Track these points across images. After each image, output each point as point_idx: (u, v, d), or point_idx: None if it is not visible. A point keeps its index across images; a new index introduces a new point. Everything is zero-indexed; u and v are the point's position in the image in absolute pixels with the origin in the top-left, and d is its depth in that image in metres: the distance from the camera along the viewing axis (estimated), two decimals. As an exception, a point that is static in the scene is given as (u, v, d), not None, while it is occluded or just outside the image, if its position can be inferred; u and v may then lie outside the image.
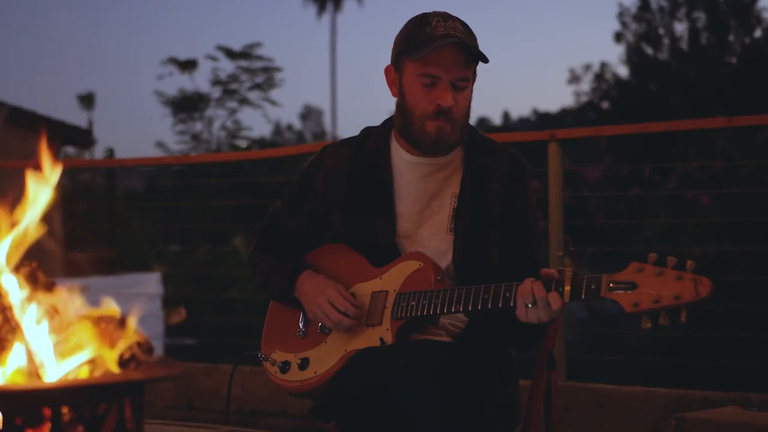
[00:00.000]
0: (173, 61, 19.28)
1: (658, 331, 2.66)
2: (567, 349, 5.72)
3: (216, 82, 18.32)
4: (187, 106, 18.29)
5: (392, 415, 2.87)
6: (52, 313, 3.64)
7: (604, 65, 29.58)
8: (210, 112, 18.35)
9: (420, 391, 2.84)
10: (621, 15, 27.73)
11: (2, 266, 3.53)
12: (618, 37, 27.74)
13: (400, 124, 3.22)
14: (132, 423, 3.29)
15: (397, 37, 3.22)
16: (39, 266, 3.72)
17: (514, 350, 3.27)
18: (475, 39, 3.15)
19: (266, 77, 18.61)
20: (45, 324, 3.55)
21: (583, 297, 2.78)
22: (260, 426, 6.19)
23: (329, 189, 3.32)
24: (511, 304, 2.88)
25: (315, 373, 3.18)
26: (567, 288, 2.80)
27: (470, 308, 2.96)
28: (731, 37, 26.13)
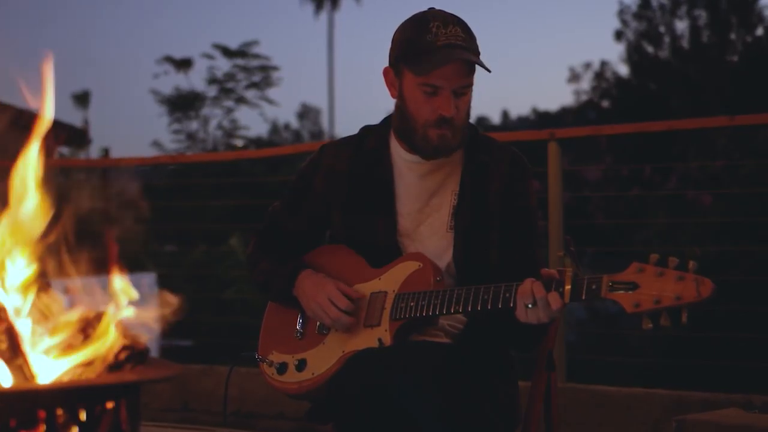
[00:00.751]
0: (169, 59, 19.26)
1: (658, 331, 2.66)
2: (567, 349, 5.72)
3: (212, 80, 18.30)
4: (183, 104, 18.27)
5: (392, 415, 2.87)
6: (47, 313, 3.63)
7: (604, 64, 29.66)
8: (206, 111, 18.33)
9: (420, 392, 2.84)
10: (621, 13, 27.80)
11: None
12: (618, 35, 27.80)
13: (401, 127, 3.22)
14: (128, 425, 3.28)
15: (395, 40, 3.20)
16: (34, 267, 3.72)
17: (513, 351, 3.27)
18: (475, 42, 3.14)
19: (263, 76, 18.59)
20: (40, 325, 3.55)
21: (583, 297, 2.78)
22: (257, 428, 6.19)
23: (329, 188, 3.32)
24: (511, 304, 2.88)
25: (313, 374, 3.18)
26: (567, 288, 2.80)
27: (470, 309, 2.96)
28: (732, 36, 26.17)
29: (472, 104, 3.19)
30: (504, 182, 3.21)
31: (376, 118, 3.44)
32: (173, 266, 11.68)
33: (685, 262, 2.63)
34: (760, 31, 26.23)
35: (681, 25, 26.71)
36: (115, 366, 3.43)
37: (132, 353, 3.57)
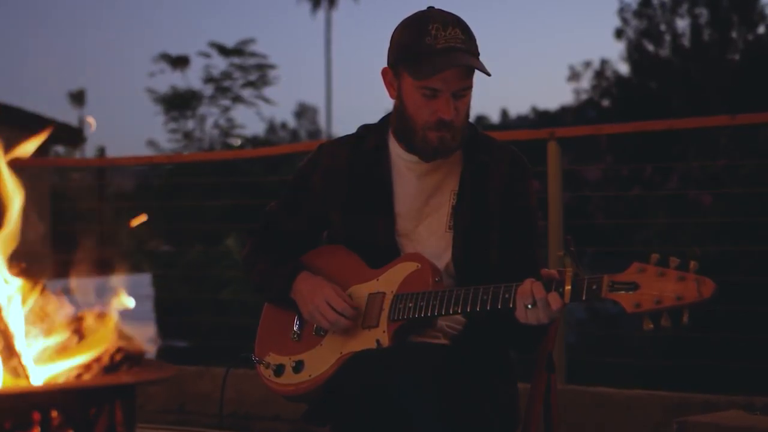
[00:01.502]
0: (165, 57, 19.22)
1: (659, 332, 2.66)
2: (567, 350, 5.73)
3: (208, 79, 18.26)
4: (179, 103, 18.23)
5: (390, 417, 2.87)
6: (42, 315, 3.64)
7: (604, 62, 29.67)
8: (202, 109, 18.28)
9: (419, 393, 2.84)
10: (622, 11, 27.77)
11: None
12: (619, 33, 27.78)
13: (400, 128, 3.21)
14: (123, 427, 3.29)
15: (393, 41, 3.19)
16: (28, 267, 3.72)
17: (513, 352, 3.27)
18: (475, 42, 3.13)
19: (260, 74, 18.55)
20: (34, 327, 3.55)
21: (583, 298, 2.78)
22: (254, 430, 6.19)
23: (327, 188, 3.32)
24: (511, 305, 2.88)
25: (310, 376, 3.17)
26: (567, 288, 2.80)
27: (469, 309, 2.96)
28: (734, 34, 26.16)
29: (472, 103, 3.19)
30: (504, 182, 3.21)
31: (374, 117, 3.44)
32: (169, 267, 11.68)
33: (686, 262, 2.63)
34: (761, 30, 26.23)
35: (682, 24, 26.70)
36: (110, 367, 3.44)
37: (127, 355, 3.57)
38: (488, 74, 3.09)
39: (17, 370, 3.38)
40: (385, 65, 3.22)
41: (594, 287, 2.75)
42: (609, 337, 8.74)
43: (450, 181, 3.23)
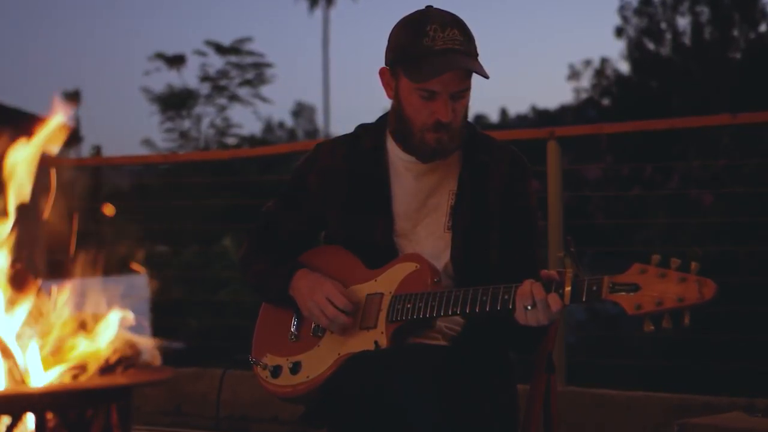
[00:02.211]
0: (160, 56, 19.20)
1: (660, 333, 2.66)
2: (567, 351, 5.73)
3: (205, 78, 18.24)
4: (174, 102, 18.21)
5: (388, 419, 2.87)
6: (37, 315, 3.63)
7: (604, 61, 29.69)
8: (198, 109, 18.27)
9: (418, 394, 2.85)
10: (622, 9, 27.82)
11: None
12: (619, 32, 27.83)
13: (398, 129, 3.21)
14: (119, 429, 3.28)
15: (391, 41, 3.19)
16: (23, 267, 3.72)
17: (512, 353, 3.28)
18: (474, 43, 3.13)
19: (257, 73, 18.54)
20: (29, 327, 3.55)
21: (584, 299, 2.78)
22: (251, 432, 6.19)
23: (325, 187, 3.31)
24: (510, 306, 2.89)
25: (308, 377, 3.17)
26: (567, 289, 2.80)
27: (468, 310, 2.96)
28: (735, 32, 26.17)
29: (470, 102, 3.19)
30: (504, 182, 3.21)
31: (372, 117, 3.44)
32: (165, 267, 11.67)
33: (688, 263, 2.64)
34: (763, 28, 26.26)
35: (683, 22, 26.74)
36: (106, 369, 3.43)
37: (123, 356, 3.56)
38: (486, 77, 3.09)
39: (12, 371, 3.37)
40: (383, 65, 3.22)
41: (594, 288, 2.76)
42: (609, 338, 8.74)
43: (448, 181, 3.23)
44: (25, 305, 3.60)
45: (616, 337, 8.66)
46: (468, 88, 3.13)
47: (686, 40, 26.56)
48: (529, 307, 2.85)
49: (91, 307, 3.76)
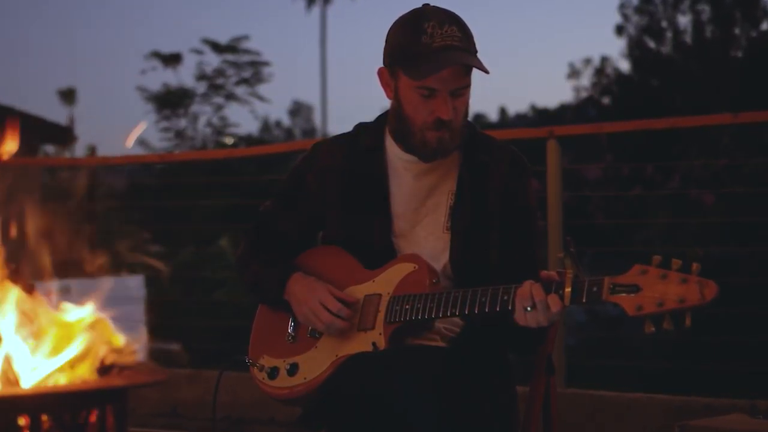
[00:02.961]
0: (156, 55, 19.19)
1: (661, 335, 2.66)
2: (567, 353, 5.73)
3: (201, 76, 18.24)
4: (171, 101, 18.21)
5: (387, 420, 2.87)
6: (31, 317, 3.63)
7: (604, 59, 29.66)
8: (195, 108, 18.27)
9: (417, 397, 2.84)
10: (622, 7, 27.78)
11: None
12: (619, 30, 27.79)
13: (397, 129, 3.21)
14: (114, 431, 3.29)
15: (389, 40, 3.19)
16: (18, 268, 3.72)
17: (512, 355, 3.27)
18: (473, 40, 3.13)
19: (254, 72, 18.54)
20: (23, 328, 3.55)
21: (584, 300, 2.78)
22: (248, 434, 6.19)
23: (322, 187, 3.31)
24: (510, 307, 2.88)
25: (305, 378, 3.17)
26: (567, 290, 2.80)
27: (467, 311, 2.96)
28: (737, 31, 26.16)
29: (470, 101, 3.19)
30: (503, 182, 3.21)
31: (370, 116, 3.44)
32: (161, 268, 11.65)
33: (689, 263, 2.64)
34: (765, 26, 26.23)
35: (684, 20, 26.71)
36: (101, 370, 3.43)
37: (119, 357, 3.56)
38: (486, 72, 3.09)
39: (6, 373, 3.37)
40: (381, 64, 3.22)
41: (595, 289, 2.76)
42: (609, 339, 8.74)
43: (447, 181, 3.23)
44: (20, 306, 3.60)
45: (616, 339, 8.66)
46: (468, 86, 3.13)
47: (687, 38, 26.54)
48: (529, 308, 2.85)
49: (87, 308, 3.77)
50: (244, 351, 3.38)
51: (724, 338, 6.67)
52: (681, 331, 2.66)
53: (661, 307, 2.64)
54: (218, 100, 18.40)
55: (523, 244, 3.21)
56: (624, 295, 2.70)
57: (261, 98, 18.78)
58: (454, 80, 3.08)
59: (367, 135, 3.33)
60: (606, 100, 28.92)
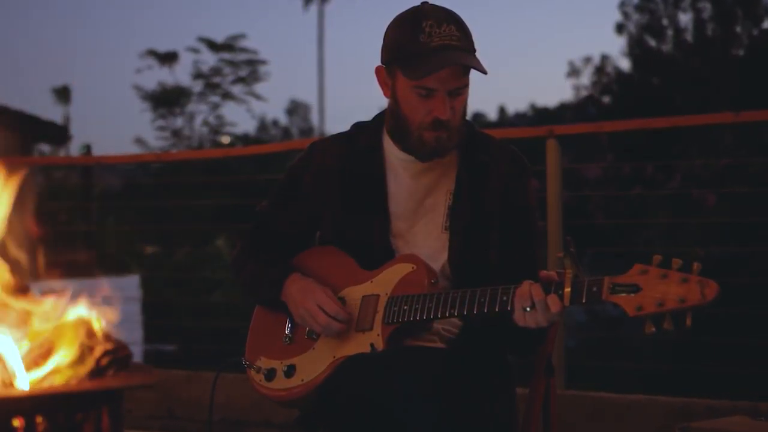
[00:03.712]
0: (153, 53, 19.24)
1: (661, 335, 2.66)
2: (566, 354, 5.73)
3: (197, 75, 18.30)
4: (167, 100, 18.26)
5: (385, 422, 2.87)
6: (26, 318, 3.63)
7: (604, 58, 29.61)
8: (191, 106, 18.33)
9: (415, 398, 2.84)
10: (623, 5, 27.76)
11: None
12: (620, 28, 27.77)
13: (395, 128, 3.21)
14: (110, 433, 3.28)
15: (387, 39, 3.19)
16: (11, 269, 3.72)
17: (511, 356, 3.27)
18: (471, 39, 3.13)
19: (250, 70, 18.59)
20: (17, 330, 3.55)
21: (584, 300, 2.78)
22: (244, 436, 6.19)
23: (319, 187, 3.31)
24: (509, 307, 2.88)
25: (302, 380, 3.17)
26: (567, 290, 2.80)
27: (465, 312, 2.96)
28: (738, 29, 26.15)
29: (468, 100, 3.18)
30: (503, 181, 3.21)
31: (368, 115, 3.43)
32: (157, 268, 11.67)
33: (689, 263, 2.64)
34: (766, 24, 26.22)
35: (684, 18, 26.68)
36: (97, 372, 3.43)
37: (114, 359, 3.56)
38: (485, 72, 3.09)
39: (0, 375, 3.37)
40: (379, 63, 3.22)
41: (594, 289, 2.76)
42: (609, 340, 8.75)
43: (446, 181, 3.23)
44: (13, 307, 3.60)
45: (616, 339, 8.67)
46: (466, 85, 3.13)
47: (688, 36, 26.53)
48: (528, 309, 2.85)
49: (81, 309, 3.76)
50: (241, 352, 3.38)
51: (725, 339, 6.67)
52: (682, 332, 2.66)
53: (662, 307, 2.64)
54: (215, 98, 18.44)
55: (523, 244, 3.21)
56: (624, 295, 2.70)
57: (258, 97, 18.83)
58: (452, 80, 3.08)
59: (364, 134, 3.33)
60: (606, 99, 28.89)
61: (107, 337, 3.66)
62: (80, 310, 3.71)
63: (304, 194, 3.35)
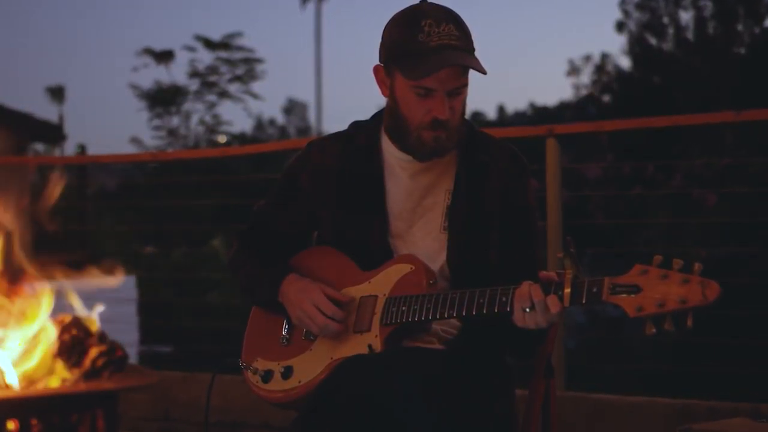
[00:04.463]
0: (149, 51, 19.23)
1: (662, 336, 2.66)
2: (566, 355, 5.73)
3: (194, 74, 18.30)
4: (163, 99, 18.26)
5: (383, 424, 2.87)
6: (20, 318, 3.63)
7: (605, 56, 29.65)
8: (188, 105, 18.33)
9: (413, 400, 2.84)
10: (623, 3, 27.78)
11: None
12: (620, 26, 27.79)
13: (393, 128, 3.21)
14: (105, 435, 3.28)
15: (385, 38, 3.18)
16: (5, 269, 3.72)
17: (510, 357, 3.27)
18: (470, 38, 3.12)
19: (247, 69, 18.59)
20: (11, 330, 3.55)
21: (584, 301, 2.78)
22: (241, 438, 6.18)
23: (317, 186, 3.31)
24: (508, 308, 2.88)
25: (299, 382, 3.17)
26: (567, 291, 2.80)
27: (464, 313, 2.95)
28: (740, 27, 26.17)
29: (467, 100, 3.18)
30: (502, 181, 3.21)
31: (365, 114, 3.43)
32: (153, 269, 11.67)
33: (690, 263, 2.64)
34: (768, 23, 26.24)
35: (686, 16, 26.70)
36: (92, 373, 3.44)
37: (110, 360, 3.56)
38: (484, 73, 3.08)
39: (-6, 376, 3.37)
40: (377, 61, 3.21)
41: (595, 290, 2.76)
42: (610, 341, 8.75)
43: (445, 181, 3.23)
44: (6, 307, 3.60)
45: (616, 340, 8.67)
46: (465, 85, 3.12)
47: (689, 34, 26.54)
48: (528, 309, 2.85)
49: (76, 310, 3.76)
50: (238, 354, 3.38)
51: (727, 340, 6.67)
52: (682, 333, 2.66)
53: (662, 308, 2.64)
54: (211, 97, 18.45)
55: (523, 244, 3.21)
56: (624, 295, 2.70)
57: (255, 96, 18.83)
58: (451, 80, 3.07)
59: (362, 133, 3.32)
60: (606, 98, 28.91)
61: (102, 338, 3.66)
62: (74, 311, 3.71)
63: (301, 194, 3.34)
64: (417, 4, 3.17)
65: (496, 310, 2.91)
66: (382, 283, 3.14)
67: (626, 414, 5.35)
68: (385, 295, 3.11)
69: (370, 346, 3.07)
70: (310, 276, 3.25)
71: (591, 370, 7.09)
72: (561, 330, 5.24)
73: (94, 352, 3.54)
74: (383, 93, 3.23)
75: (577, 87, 31.20)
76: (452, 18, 3.10)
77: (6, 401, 3.19)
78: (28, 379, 3.41)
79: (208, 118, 18.40)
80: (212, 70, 18.36)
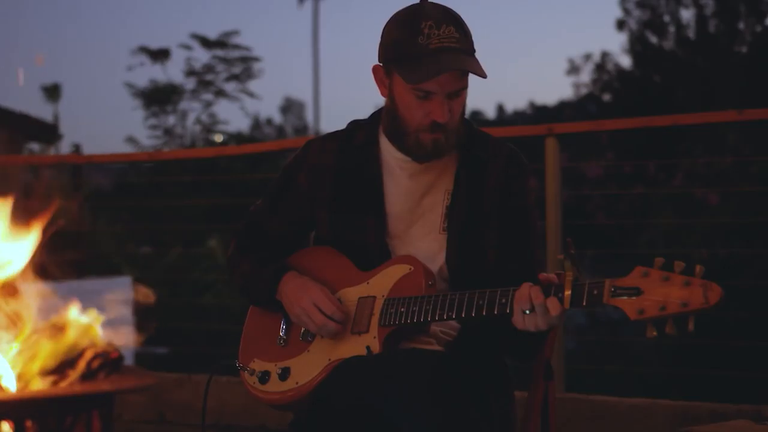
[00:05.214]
0: (144, 50, 19.20)
1: (663, 339, 2.66)
2: (566, 357, 5.73)
3: (190, 72, 18.28)
4: (159, 98, 18.24)
5: (381, 427, 2.87)
6: (15, 320, 3.63)
7: (605, 55, 29.59)
8: (184, 104, 18.31)
9: (411, 402, 2.84)
10: (623, 1, 27.76)
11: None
12: (620, 24, 27.77)
13: (392, 129, 3.20)
14: (100, 437, 3.28)
15: (384, 38, 3.18)
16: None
17: (510, 359, 3.27)
18: (471, 40, 3.11)
19: (244, 67, 18.58)
20: (7, 331, 3.55)
21: (584, 303, 2.78)
22: (238, 440, 6.19)
23: (314, 185, 3.31)
24: (508, 310, 2.88)
25: (296, 383, 3.17)
26: (567, 293, 2.80)
27: (463, 315, 2.95)
28: (741, 25, 26.16)
29: (467, 98, 3.18)
30: (501, 180, 3.21)
31: (364, 113, 3.44)
32: (148, 269, 11.66)
33: (692, 266, 2.63)
34: (770, 21, 26.23)
35: (686, 14, 26.68)
36: (87, 375, 3.44)
37: (105, 361, 3.57)
38: (484, 76, 3.07)
39: (-11, 377, 3.37)
40: (376, 60, 3.21)
41: (595, 292, 2.75)
42: (610, 344, 8.76)
43: (444, 181, 3.23)
44: (2, 309, 3.60)
45: (617, 343, 8.68)
46: (465, 87, 3.12)
47: (690, 33, 26.53)
48: (528, 312, 2.85)
49: (72, 311, 3.76)
50: (234, 355, 3.37)
51: (728, 343, 6.67)
52: (684, 336, 2.66)
53: (664, 311, 2.63)
54: (207, 96, 18.44)
55: (522, 245, 3.21)
56: (625, 298, 2.70)
57: (251, 95, 18.82)
58: (450, 83, 3.07)
59: (360, 133, 3.32)
60: (606, 97, 28.90)
61: (98, 339, 3.66)
62: (70, 312, 3.71)
63: (299, 193, 3.34)
64: (417, 4, 3.16)
65: (495, 312, 2.91)
66: (381, 283, 3.14)
67: (627, 416, 5.35)
68: (383, 296, 3.11)
69: (368, 348, 3.07)
70: (308, 276, 3.24)
71: (591, 372, 7.09)
72: (561, 332, 5.24)
73: (89, 353, 3.54)
74: (382, 93, 3.22)
75: (577, 86, 31.18)
76: (453, 19, 3.09)
77: (1, 403, 3.19)
78: (23, 381, 3.41)
79: (204, 117, 18.39)
80: (209, 68, 18.35)
